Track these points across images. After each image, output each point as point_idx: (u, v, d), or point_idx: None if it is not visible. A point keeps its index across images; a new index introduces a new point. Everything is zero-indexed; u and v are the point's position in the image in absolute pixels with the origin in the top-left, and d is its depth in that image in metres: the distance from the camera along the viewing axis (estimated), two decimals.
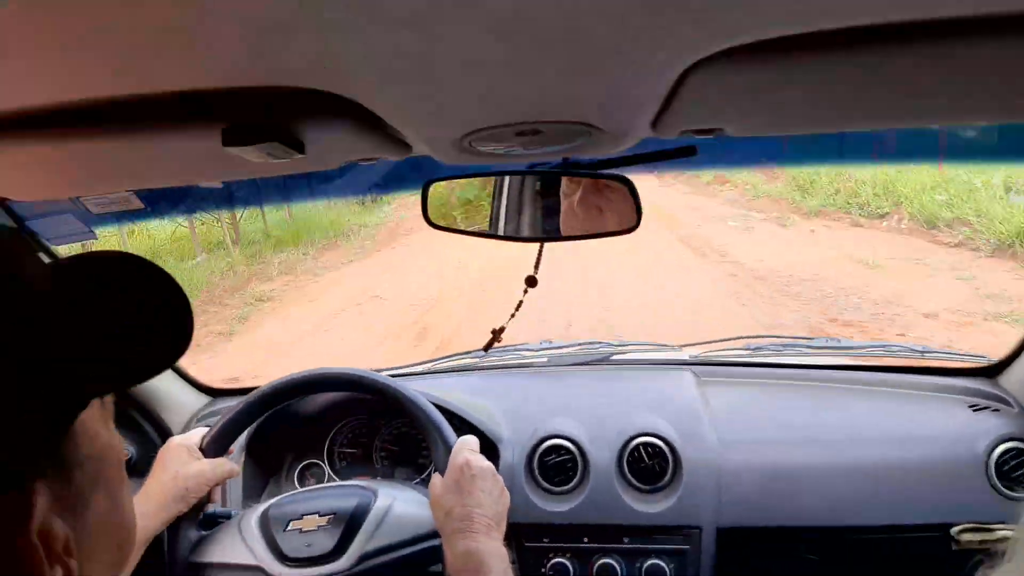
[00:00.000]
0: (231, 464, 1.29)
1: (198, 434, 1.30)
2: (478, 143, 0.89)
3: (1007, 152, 1.45)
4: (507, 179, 1.23)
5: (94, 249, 0.49)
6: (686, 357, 1.85)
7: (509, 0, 0.49)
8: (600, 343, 2.00)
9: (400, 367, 1.94)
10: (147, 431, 1.64)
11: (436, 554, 1.12)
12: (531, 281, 1.32)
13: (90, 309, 0.45)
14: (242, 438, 1.51)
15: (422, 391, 1.47)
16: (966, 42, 0.60)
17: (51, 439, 0.43)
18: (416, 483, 1.57)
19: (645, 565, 1.35)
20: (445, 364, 1.94)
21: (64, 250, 1.35)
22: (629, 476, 1.42)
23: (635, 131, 0.90)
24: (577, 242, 1.15)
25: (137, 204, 1.22)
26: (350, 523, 1.19)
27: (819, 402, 1.61)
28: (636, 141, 0.96)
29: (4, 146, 0.80)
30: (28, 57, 0.56)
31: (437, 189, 1.12)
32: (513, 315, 1.43)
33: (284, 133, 0.77)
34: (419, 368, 1.93)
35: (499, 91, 0.71)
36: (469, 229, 1.18)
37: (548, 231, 1.21)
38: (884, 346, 1.73)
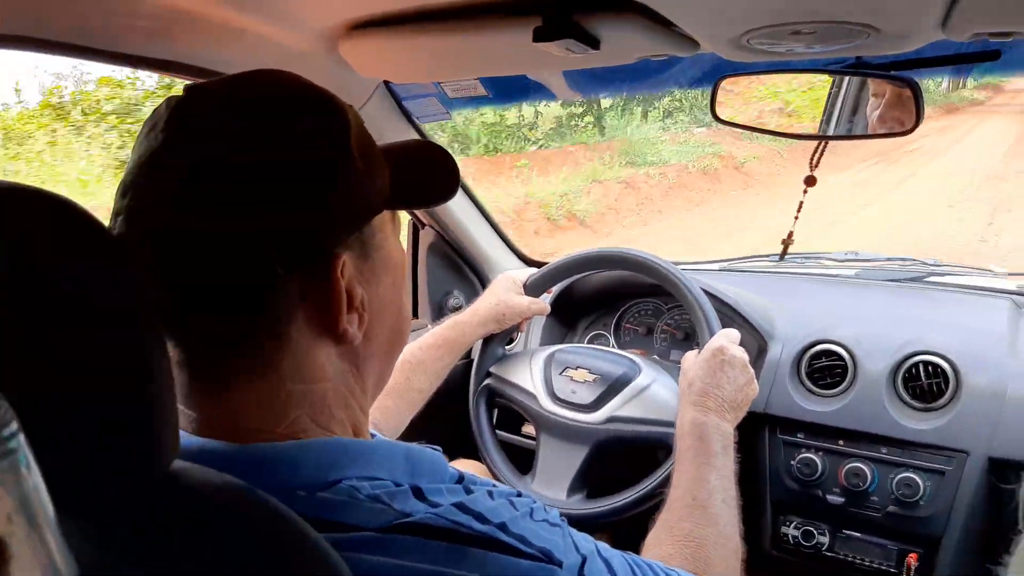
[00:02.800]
0: (543, 304, 1.56)
1: (526, 273, 1.58)
2: (756, 41, 0.95)
3: None
4: (844, 80, 1.25)
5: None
6: (1012, 287, 1.68)
7: None
8: (916, 260, 1.90)
9: (700, 262, 2.06)
10: (477, 288, 2.02)
11: (669, 441, 1.23)
12: (810, 180, 1.34)
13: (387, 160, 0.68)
14: (555, 290, 1.76)
15: (706, 282, 1.59)
16: None
17: (355, 225, 0.64)
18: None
19: (898, 477, 1.34)
20: (744, 264, 2.02)
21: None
22: (901, 391, 1.40)
23: (920, 32, 0.89)
24: None
25: (482, 91, 1.50)
26: (612, 386, 1.40)
27: None
28: (924, 43, 0.94)
29: (387, 36, 1.09)
30: None
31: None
32: (796, 217, 1.46)
33: (580, 31, 0.94)
34: (715, 266, 2.03)
35: None
36: (756, 124, 1.24)
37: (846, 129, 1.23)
38: None
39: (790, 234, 1.59)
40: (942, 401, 1.36)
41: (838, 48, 0.97)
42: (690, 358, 1.25)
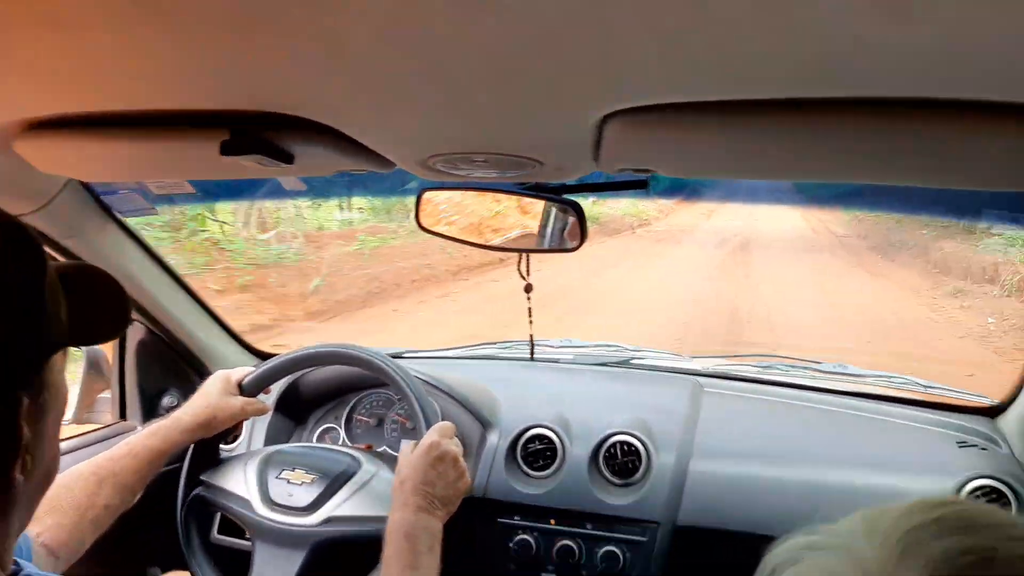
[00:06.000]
0: (261, 404, 1.46)
1: (241, 372, 1.47)
2: (440, 165, 1.02)
3: None
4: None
5: None
6: (697, 367, 1.92)
7: (445, 47, 0.61)
8: (621, 346, 2.10)
9: (432, 350, 2.11)
10: (196, 384, 1.88)
11: None
12: (528, 288, 1.47)
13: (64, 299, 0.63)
14: (278, 387, 1.70)
15: (432, 374, 1.63)
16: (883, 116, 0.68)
17: (36, 366, 0.61)
18: None
19: (602, 551, 1.45)
20: (473, 352, 2.10)
21: None
22: (603, 469, 1.52)
23: (579, 165, 1.01)
24: None
25: (189, 188, 1.43)
26: (331, 485, 1.36)
27: (811, 425, 1.65)
28: (584, 173, 1.07)
29: (70, 137, 1.00)
30: (93, 71, 0.74)
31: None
32: (530, 322, 1.58)
33: (272, 147, 0.93)
34: (450, 353, 2.09)
35: (445, 124, 0.85)
36: (459, 236, 1.31)
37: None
38: (889, 377, 1.74)
39: (531, 337, 1.72)
40: (636, 477, 1.50)
41: (514, 175, 1.08)
42: (405, 452, 1.26)
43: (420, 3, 0.52)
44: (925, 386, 1.70)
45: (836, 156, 0.82)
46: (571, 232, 1.19)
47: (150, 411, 1.83)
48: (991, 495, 1.36)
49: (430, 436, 1.25)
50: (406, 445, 1.28)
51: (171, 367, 1.87)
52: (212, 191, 1.47)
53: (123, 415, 1.81)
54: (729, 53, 0.57)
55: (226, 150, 0.89)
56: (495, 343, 2.16)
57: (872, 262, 12.70)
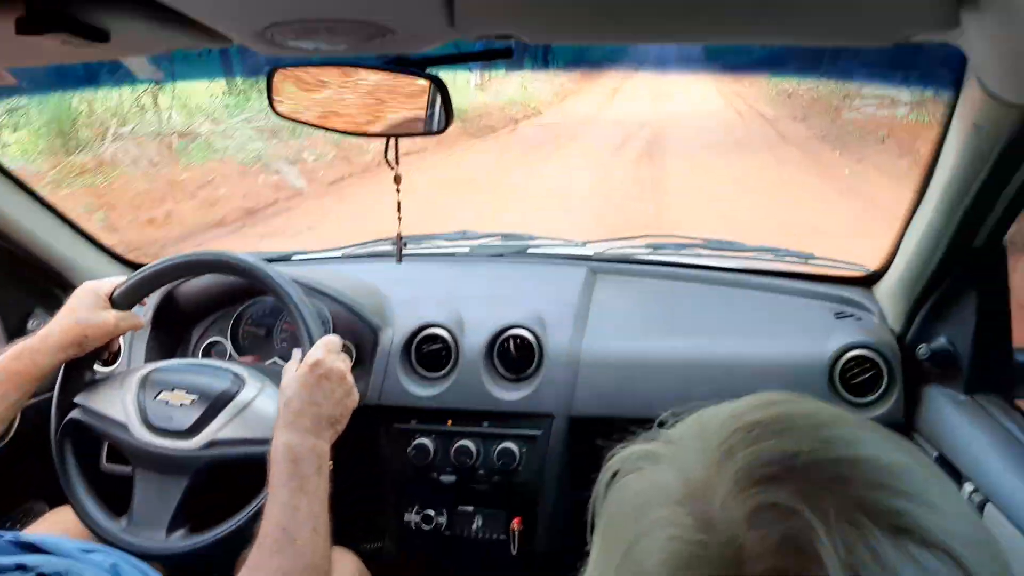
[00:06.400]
0: (137, 317, 1.36)
1: (111, 283, 1.35)
2: (281, 37, 0.90)
3: None
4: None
5: None
6: (590, 253, 1.91)
7: None
8: (518, 235, 2.06)
9: (316, 251, 2.02)
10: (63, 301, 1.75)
11: None
12: (398, 179, 1.37)
13: None
14: (154, 300, 1.60)
15: (316, 278, 1.55)
16: None
17: None
18: None
19: (498, 448, 1.46)
20: (362, 250, 2.02)
21: None
22: (497, 365, 1.52)
23: (434, 31, 0.91)
24: None
25: (10, 80, 1.25)
26: (212, 405, 1.29)
27: (698, 301, 1.69)
28: (441, 41, 0.97)
29: None
30: None
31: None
32: (399, 218, 1.49)
33: (75, 23, 0.80)
34: (336, 253, 2.01)
35: None
36: (318, 122, 1.20)
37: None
38: (774, 251, 1.78)
39: (399, 235, 1.63)
40: (530, 371, 1.50)
41: (366, 45, 0.97)
42: (289, 371, 1.20)
43: None
44: (806, 258, 1.75)
45: (700, 10, 0.78)
46: (439, 112, 1.10)
47: (16, 335, 1.70)
48: (864, 364, 1.43)
49: (314, 352, 1.20)
50: (291, 363, 1.23)
51: (32, 285, 1.73)
52: (43, 81, 1.28)
53: None
54: None
55: (23, 28, 0.76)
56: (388, 239, 2.08)
57: (833, 165, 9.56)
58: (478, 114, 11.70)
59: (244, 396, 1.32)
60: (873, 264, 1.64)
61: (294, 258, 1.99)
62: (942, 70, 1.19)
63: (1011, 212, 1.15)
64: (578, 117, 14.73)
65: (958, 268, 1.29)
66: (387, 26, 0.87)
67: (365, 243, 2.05)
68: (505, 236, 2.05)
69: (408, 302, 1.65)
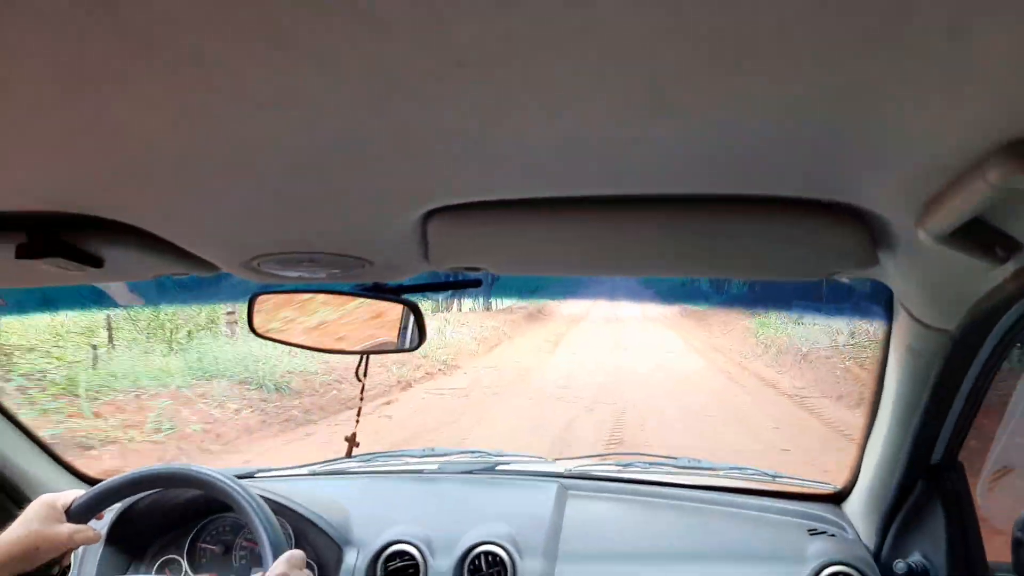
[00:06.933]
0: (92, 531, 1.30)
1: (69, 496, 1.30)
2: (266, 267, 0.98)
3: None
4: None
5: None
6: (560, 470, 1.90)
7: (253, 146, 0.58)
8: (487, 452, 2.06)
9: (280, 468, 1.99)
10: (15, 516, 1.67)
11: None
12: (362, 389, 1.42)
13: None
14: (111, 514, 1.54)
15: (281, 493, 1.51)
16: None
17: None
18: None
19: None
20: (327, 468, 1.99)
21: None
22: None
23: (410, 264, 1.00)
24: None
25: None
26: None
27: (669, 521, 1.66)
28: (418, 271, 1.06)
29: None
30: None
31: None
32: (357, 421, 1.51)
33: (75, 251, 0.86)
34: (302, 471, 1.97)
35: (263, 225, 0.81)
36: (294, 341, 1.26)
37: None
38: (741, 469, 1.80)
39: (353, 435, 1.63)
40: None
41: (344, 275, 1.05)
42: None
43: (223, 102, 0.50)
44: (773, 476, 1.77)
45: (644, 251, 0.86)
46: (411, 332, 1.17)
47: None
48: None
49: (277, 568, 1.15)
50: None
51: None
52: (26, 302, 1.34)
53: None
54: (525, 154, 0.58)
55: (24, 254, 0.82)
56: (354, 457, 2.06)
57: None
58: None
59: None
60: (838, 482, 1.66)
61: (258, 475, 1.95)
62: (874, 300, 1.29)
63: (962, 427, 1.20)
64: (502, 379, 10.55)
65: (921, 483, 1.32)
66: (367, 259, 0.96)
67: (329, 461, 2.03)
68: (473, 453, 2.05)
69: (375, 519, 1.60)
